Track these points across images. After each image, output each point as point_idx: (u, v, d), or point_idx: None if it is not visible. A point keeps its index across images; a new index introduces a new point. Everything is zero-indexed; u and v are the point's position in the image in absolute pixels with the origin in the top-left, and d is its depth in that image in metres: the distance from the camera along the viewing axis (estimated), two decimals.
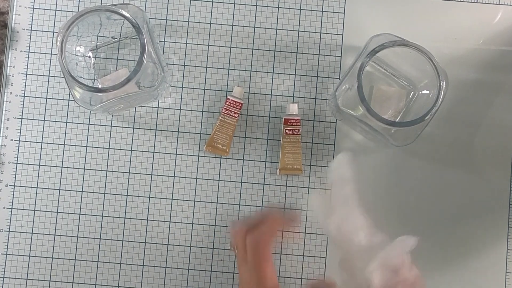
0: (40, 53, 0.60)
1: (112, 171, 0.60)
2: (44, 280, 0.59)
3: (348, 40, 0.61)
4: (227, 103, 0.58)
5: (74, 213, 0.59)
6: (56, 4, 0.61)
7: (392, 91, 0.58)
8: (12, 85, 0.60)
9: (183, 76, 0.61)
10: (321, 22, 0.61)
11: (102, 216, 0.60)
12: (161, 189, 0.60)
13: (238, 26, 0.61)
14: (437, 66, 0.51)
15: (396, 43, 0.51)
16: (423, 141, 0.59)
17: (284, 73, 0.61)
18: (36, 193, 0.60)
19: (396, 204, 0.60)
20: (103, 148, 0.60)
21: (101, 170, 0.60)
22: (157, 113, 0.60)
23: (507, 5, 0.61)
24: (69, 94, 0.60)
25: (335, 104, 0.55)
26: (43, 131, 0.60)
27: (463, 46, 0.61)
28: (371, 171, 0.60)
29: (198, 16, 0.61)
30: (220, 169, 0.60)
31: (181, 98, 0.60)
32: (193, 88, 0.61)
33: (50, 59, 0.61)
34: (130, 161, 0.60)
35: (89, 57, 0.59)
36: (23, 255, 0.59)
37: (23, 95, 0.60)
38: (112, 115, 0.60)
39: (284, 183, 0.60)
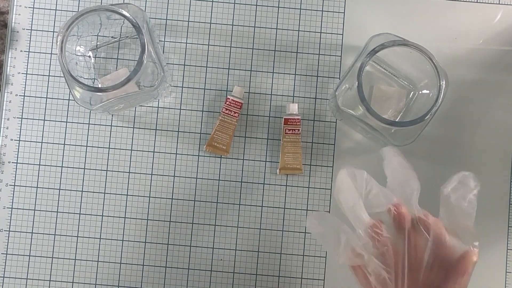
0: (40, 52, 0.60)
1: (112, 171, 0.60)
2: (44, 280, 0.59)
3: (348, 40, 0.61)
4: (227, 102, 0.58)
5: (74, 213, 0.60)
6: (56, 4, 0.61)
7: (392, 91, 0.58)
8: (12, 84, 0.60)
9: (183, 76, 0.61)
10: (321, 22, 0.61)
11: (102, 216, 0.60)
12: (161, 189, 0.60)
13: (238, 26, 0.61)
14: (437, 66, 0.51)
15: (396, 42, 0.51)
16: (423, 141, 0.59)
17: (284, 73, 0.61)
18: (36, 193, 0.60)
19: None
20: (103, 148, 0.60)
21: (101, 170, 0.60)
22: (157, 113, 0.60)
23: (507, 5, 0.62)
24: (69, 94, 0.60)
25: (335, 104, 0.55)
26: (43, 131, 0.60)
27: (463, 46, 0.61)
28: (371, 171, 0.60)
29: (198, 16, 0.61)
30: (220, 169, 0.60)
31: (181, 98, 0.61)
32: (193, 88, 0.61)
33: (50, 59, 0.61)
34: (130, 161, 0.60)
35: (89, 56, 0.59)
36: (23, 255, 0.59)
37: (23, 94, 0.60)
38: (112, 115, 0.60)
39: (284, 183, 0.60)
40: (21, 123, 0.60)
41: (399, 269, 0.44)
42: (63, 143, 0.60)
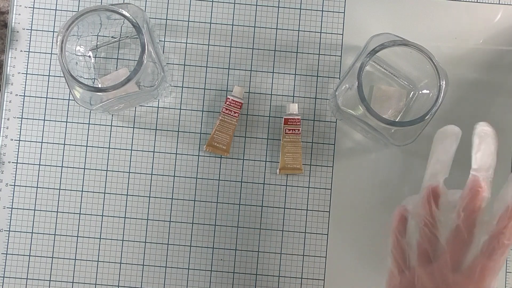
0: (40, 52, 0.60)
1: (112, 171, 0.60)
2: (44, 280, 0.59)
3: (348, 40, 0.61)
4: (227, 102, 0.58)
5: (74, 213, 0.60)
6: (56, 4, 0.61)
7: (392, 91, 0.58)
8: (12, 84, 0.60)
9: (183, 75, 0.61)
10: (321, 21, 0.61)
11: (102, 216, 0.60)
12: (161, 189, 0.60)
13: (238, 26, 0.61)
14: (437, 65, 0.51)
15: (396, 42, 0.51)
16: (423, 141, 0.59)
17: (284, 73, 0.61)
18: (36, 193, 0.60)
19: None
20: (103, 148, 0.60)
21: (101, 170, 0.60)
22: (157, 112, 0.60)
23: (507, 4, 0.62)
24: (69, 94, 0.60)
25: (335, 103, 0.55)
26: (43, 131, 0.60)
27: (463, 46, 0.61)
28: (371, 171, 0.60)
29: (198, 16, 0.61)
30: (220, 169, 0.60)
31: (181, 98, 0.61)
32: (193, 87, 0.61)
33: (50, 59, 0.61)
34: (130, 161, 0.60)
35: (89, 56, 0.59)
36: (23, 255, 0.59)
37: (23, 94, 0.60)
38: (112, 115, 0.60)
39: (284, 183, 0.60)
40: (21, 123, 0.60)
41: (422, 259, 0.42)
42: (63, 143, 0.60)
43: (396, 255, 0.44)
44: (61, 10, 0.61)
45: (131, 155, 0.60)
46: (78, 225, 0.59)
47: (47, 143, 0.60)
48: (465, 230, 0.41)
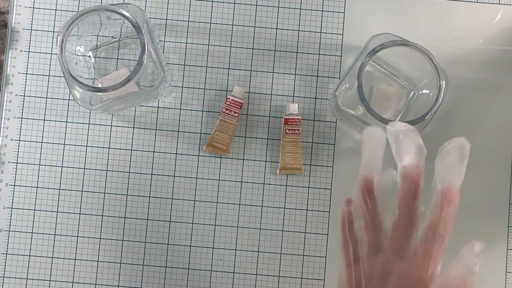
0: (40, 52, 0.60)
1: (112, 171, 0.60)
2: (44, 280, 0.59)
3: (348, 40, 0.61)
4: (227, 102, 0.58)
5: (74, 213, 0.60)
6: (56, 4, 0.61)
7: (392, 91, 0.58)
8: (12, 84, 0.60)
9: (183, 75, 0.61)
10: (321, 21, 0.61)
11: (102, 216, 0.60)
12: (161, 189, 0.60)
13: (238, 26, 0.61)
14: (437, 65, 0.51)
15: (396, 42, 0.51)
16: (423, 141, 0.59)
17: (284, 73, 0.61)
18: (36, 193, 0.60)
19: None
20: (103, 148, 0.60)
21: (101, 170, 0.60)
22: (157, 112, 0.60)
23: (507, 4, 0.62)
24: (69, 94, 0.60)
25: (335, 103, 0.55)
26: (43, 131, 0.60)
27: (463, 46, 0.61)
28: None
29: (198, 16, 0.61)
30: (220, 169, 0.60)
31: (181, 98, 0.61)
32: (193, 87, 0.61)
33: (50, 59, 0.61)
34: (130, 161, 0.60)
35: (89, 56, 0.59)
36: (23, 255, 0.59)
37: (23, 94, 0.60)
38: (112, 115, 0.60)
39: (284, 183, 0.60)
40: (21, 123, 0.60)
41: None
42: (63, 143, 0.60)
43: (344, 249, 0.45)
44: (61, 10, 0.61)
45: (131, 155, 0.60)
46: (78, 225, 0.59)
47: (47, 143, 0.60)
48: (404, 224, 0.42)
